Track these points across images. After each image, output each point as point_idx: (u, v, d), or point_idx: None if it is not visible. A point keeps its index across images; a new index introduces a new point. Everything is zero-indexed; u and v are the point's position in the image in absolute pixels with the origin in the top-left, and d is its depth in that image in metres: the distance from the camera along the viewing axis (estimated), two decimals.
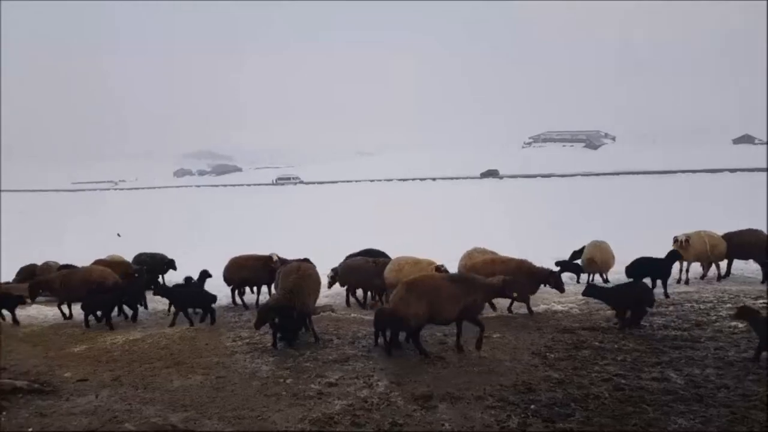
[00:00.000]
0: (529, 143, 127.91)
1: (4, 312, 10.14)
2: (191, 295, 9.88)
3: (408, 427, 4.90)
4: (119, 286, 10.29)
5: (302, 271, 8.06)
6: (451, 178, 69.35)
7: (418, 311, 6.91)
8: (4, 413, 5.42)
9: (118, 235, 30.78)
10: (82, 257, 14.12)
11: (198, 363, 7.09)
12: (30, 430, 5.06)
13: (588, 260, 12.18)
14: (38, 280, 11.20)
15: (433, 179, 69.28)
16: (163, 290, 10.17)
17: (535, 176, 65.57)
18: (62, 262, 13.63)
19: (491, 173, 73.99)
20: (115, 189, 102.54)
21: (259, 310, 7.82)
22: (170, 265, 14.20)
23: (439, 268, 9.33)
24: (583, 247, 12.65)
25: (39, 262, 14.08)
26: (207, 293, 9.83)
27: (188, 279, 10.90)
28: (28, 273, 13.68)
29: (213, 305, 9.50)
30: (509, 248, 12.25)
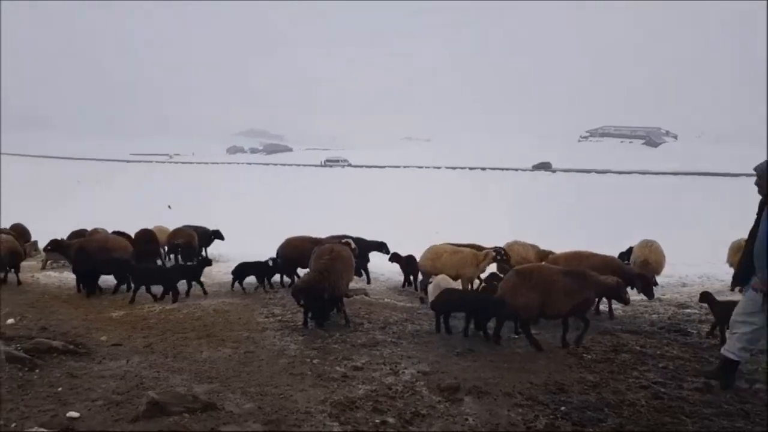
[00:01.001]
0: (586, 137, 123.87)
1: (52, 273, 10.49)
2: (150, 272, 9.99)
3: (430, 418, 4.74)
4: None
5: (335, 253, 7.98)
6: (502, 169, 68.04)
7: (529, 302, 6.71)
8: (37, 371, 5.57)
9: (169, 207, 31.69)
10: (132, 225, 14.54)
11: (229, 336, 7.13)
12: (59, 389, 5.17)
13: (643, 262, 11.31)
14: (55, 242, 11.40)
15: (483, 169, 68.15)
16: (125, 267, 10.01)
17: (589, 171, 63.44)
18: (111, 229, 14.08)
19: (543, 166, 72.11)
20: (170, 162, 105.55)
21: (292, 290, 7.83)
22: (217, 235, 14.42)
23: (499, 252, 9.08)
24: (631, 248, 11.92)
25: (89, 228, 14.59)
26: (168, 270, 10.05)
27: (274, 260, 10.82)
28: (78, 237, 14.16)
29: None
30: (552, 243, 11.85)
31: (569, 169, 67.60)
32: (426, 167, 74.60)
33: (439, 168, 71.46)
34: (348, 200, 43.26)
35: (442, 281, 8.47)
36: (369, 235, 12.77)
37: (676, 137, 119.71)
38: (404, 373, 5.82)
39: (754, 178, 5.44)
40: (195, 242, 13.59)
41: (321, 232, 12.14)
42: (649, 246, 11.52)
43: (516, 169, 67.69)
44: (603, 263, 8.66)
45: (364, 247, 11.39)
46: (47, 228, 16.14)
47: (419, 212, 32.71)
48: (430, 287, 8.69)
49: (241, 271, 10.53)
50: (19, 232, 13.91)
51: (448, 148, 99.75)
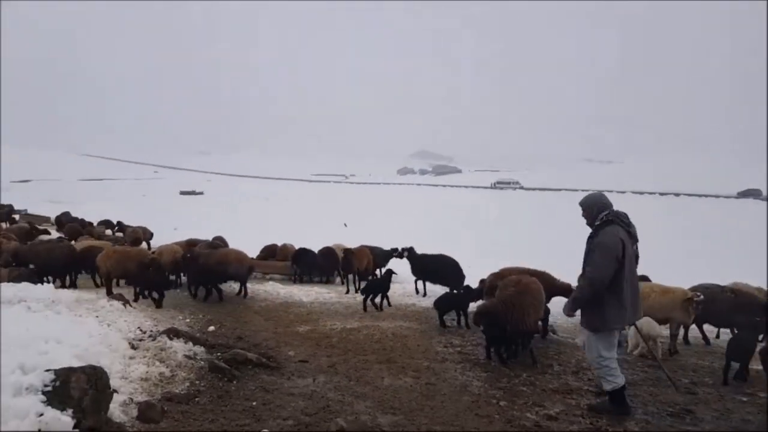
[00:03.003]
0: None
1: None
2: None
3: None
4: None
5: (523, 285, 7.39)
6: (699, 195, 61.07)
7: None
8: (234, 382, 5.84)
9: (345, 225, 33.32)
10: (312, 242, 15.34)
11: (409, 364, 6.93)
12: (254, 403, 5.33)
13: None
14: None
15: (676, 195, 61.79)
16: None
17: None
18: (297, 245, 14.95)
19: (751, 193, 62.98)
20: (346, 182, 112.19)
21: (474, 315, 7.42)
22: (397, 254, 14.51)
23: (696, 299, 7.85)
24: None
25: (279, 243, 15.70)
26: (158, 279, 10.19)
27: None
28: (269, 251, 15.30)
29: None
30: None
31: None
32: (608, 191, 69.90)
33: (623, 192, 66.43)
34: (518, 224, 41.95)
35: (647, 325, 7.43)
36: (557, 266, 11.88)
37: None
38: (607, 430, 5.08)
39: None
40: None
41: (496, 258, 11.62)
42: None
43: (717, 196, 60.27)
44: None
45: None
46: (244, 240, 17.72)
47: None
48: (630, 331, 7.70)
49: (446, 303, 9.44)
50: (224, 243, 15.44)
51: (634, 170, 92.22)
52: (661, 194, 62.51)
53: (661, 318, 7.83)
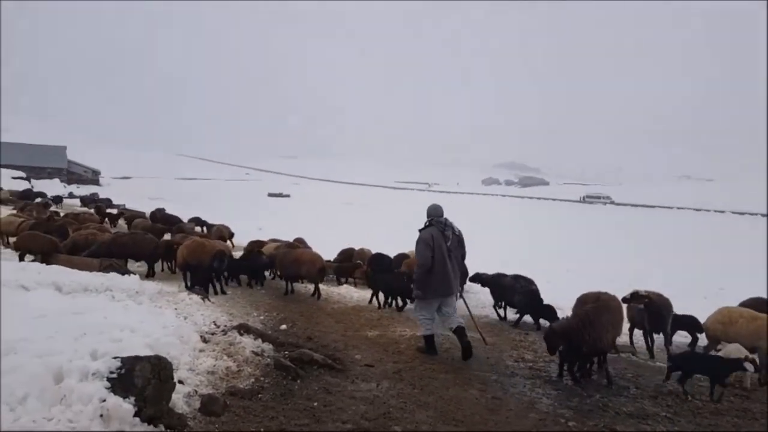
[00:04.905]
0: None
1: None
2: None
3: None
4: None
5: (602, 302, 6.96)
6: None
7: None
8: (298, 381, 5.86)
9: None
10: (390, 249, 15.32)
11: (475, 376, 6.70)
12: (315, 404, 5.32)
13: None
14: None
15: None
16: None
17: None
18: (374, 251, 15.02)
19: None
20: (428, 191, 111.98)
21: (547, 332, 7.04)
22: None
23: None
24: None
25: (357, 247, 15.85)
26: None
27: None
28: (346, 255, 15.46)
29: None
30: None
31: None
32: (705, 210, 65.23)
33: (722, 212, 61.81)
34: (607, 240, 40.04)
35: (735, 352, 6.79)
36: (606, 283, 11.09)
37: None
38: None
39: None
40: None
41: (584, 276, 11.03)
42: None
43: None
44: None
45: None
46: (324, 242, 18.04)
47: (694, 262, 28.41)
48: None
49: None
50: (305, 245, 15.79)
51: (736, 190, 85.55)
52: (763, 215, 57.41)
53: (749, 346, 7.14)
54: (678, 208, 67.75)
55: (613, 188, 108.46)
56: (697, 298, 13.08)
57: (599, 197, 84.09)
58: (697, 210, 65.20)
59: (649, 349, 8.52)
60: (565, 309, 11.51)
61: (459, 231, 7.74)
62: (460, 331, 7.51)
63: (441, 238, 7.46)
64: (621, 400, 6.14)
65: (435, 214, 7.73)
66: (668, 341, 8.52)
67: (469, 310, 8.61)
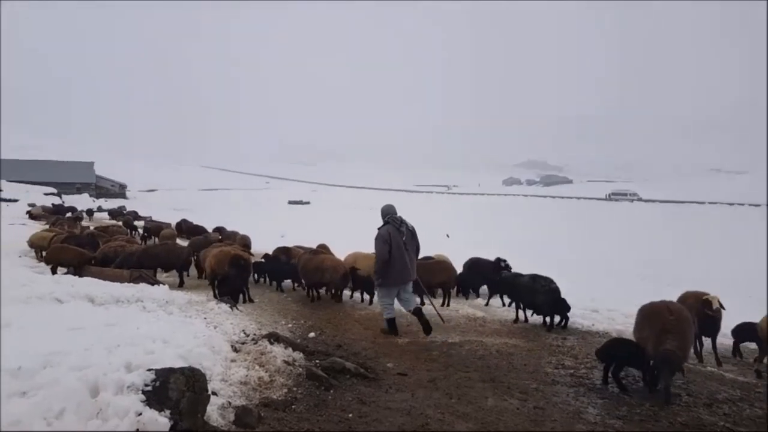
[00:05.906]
0: None
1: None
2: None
3: None
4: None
5: (678, 313, 6.44)
6: None
7: None
8: (331, 392, 5.69)
9: (447, 236, 32.84)
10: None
11: (515, 384, 6.44)
12: (350, 415, 5.14)
13: None
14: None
15: None
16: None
17: None
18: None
19: None
20: (449, 193, 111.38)
21: (661, 357, 6.07)
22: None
23: None
24: None
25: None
26: None
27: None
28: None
29: None
30: None
31: None
32: (739, 204, 63.36)
33: (758, 206, 60.02)
34: (634, 237, 39.26)
35: None
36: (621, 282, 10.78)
37: None
38: None
39: None
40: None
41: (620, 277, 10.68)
42: None
43: None
44: None
45: None
46: (345, 248, 17.85)
47: (727, 259, 27.64)
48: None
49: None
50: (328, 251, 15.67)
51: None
52: None
53: None
54: (710, 203, 66.11)
55: (638, 184, 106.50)
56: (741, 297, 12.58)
57: (626, 194, 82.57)
58: (730, 204, 63.54)
59: (698, 353, 8.17)
60: (601, 310, 11.25)
61: (412, 227, 8.86)
62: (418, 311, 8.71)
63: (397, 234, 8.55)
64: (674, 409, 5.82)
65: (390, 213, 8.82)
66: (714, 346, 8.19)
67: (430, 300, 9.94)
